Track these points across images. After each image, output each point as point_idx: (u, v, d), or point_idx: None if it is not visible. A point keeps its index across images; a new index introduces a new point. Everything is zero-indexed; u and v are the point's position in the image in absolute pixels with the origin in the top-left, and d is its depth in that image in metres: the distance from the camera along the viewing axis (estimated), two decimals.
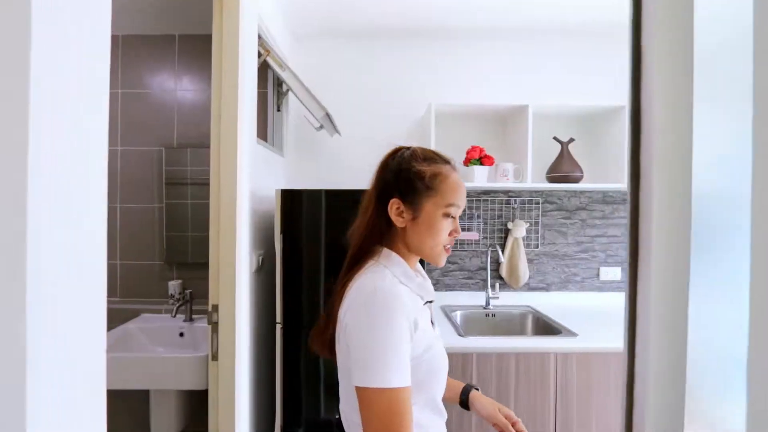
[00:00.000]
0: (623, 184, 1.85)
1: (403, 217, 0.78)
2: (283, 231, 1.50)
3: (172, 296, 1.89)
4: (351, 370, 0.70)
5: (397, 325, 0.68)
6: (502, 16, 1.89)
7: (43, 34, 0.31)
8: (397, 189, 0.79)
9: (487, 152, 1.92)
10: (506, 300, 2.05)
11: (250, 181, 1.39)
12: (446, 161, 0.82)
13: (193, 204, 1.98)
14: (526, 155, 1.85)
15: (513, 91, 2.09)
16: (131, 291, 1.98)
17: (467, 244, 2.10)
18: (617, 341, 1.51)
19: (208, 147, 1.28)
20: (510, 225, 2.08)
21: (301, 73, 1.87)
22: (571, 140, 1.96)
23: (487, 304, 1.98)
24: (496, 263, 2.10)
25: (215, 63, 1.27)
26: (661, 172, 0.43)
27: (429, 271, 2.02)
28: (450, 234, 0.79)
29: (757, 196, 0.34)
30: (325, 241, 1.51)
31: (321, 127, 1.86)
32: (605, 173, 1.99)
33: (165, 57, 1.98)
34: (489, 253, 2.05)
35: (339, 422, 0.82)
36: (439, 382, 0.79)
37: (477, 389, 0.94)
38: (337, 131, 1.91)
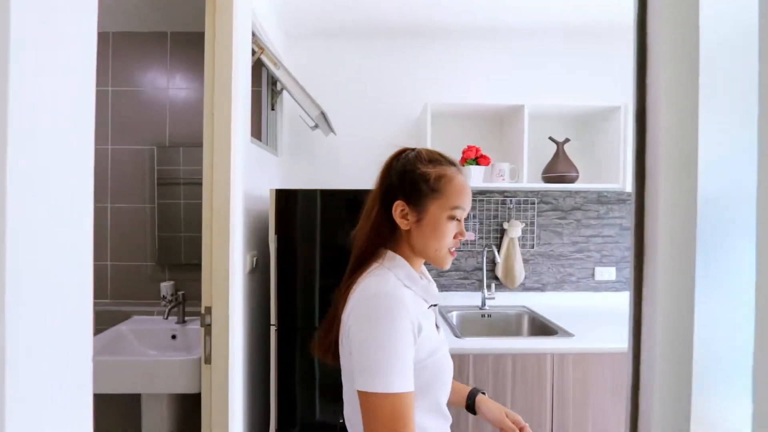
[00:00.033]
0: (618, 184, 1.86)
1: (407, 220, 0.77)
2: (278, 231, 1.48)
3: (164, 298, 1.86)
4: (353, 373, 0.69)
5: (400, 328, 0.67)
6: (499, 16, 1.89)
7: (22, 27, 0.29)
8: (401, 191, 0.77)
9: (483, 152, 1.92)
10: (502, 300, 2.05)
11: (244, 181, 1.37)
12: (452, 163, 0.81)
13: (186, 204, 1.95)
14: (522, 155, 1.85)
15: (509, 90, 2.09)
16: (122, 292, 1.95)
17: (463, 244, 2.09)
18: (613, 342, 1.51)
19: (201, 146, 1.26)
20: (506, 225, 2.08)
21: (295, 73, 1.85)
22: (567, 140, 1.96)
23: (483, 304, 1.98)
24: (492, 263, 2.10)
25: (208, 60, 1.24)
26: (667, 172, 0.42)
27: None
28: (455, 237, 0.78)
29: (762, 195, 0.34)
30: (320, 241, 1.49)
31: (316, 126, 1.84)
32: (600, 173, 2.00)
33: (157, 54, 1.95)
34: (485, 253, 2.05)
35: (342, 426, 0.80)
36: (444, 386, 0.78)
37: (483, 393, 0.93)
38: (332, 130, 1.90)
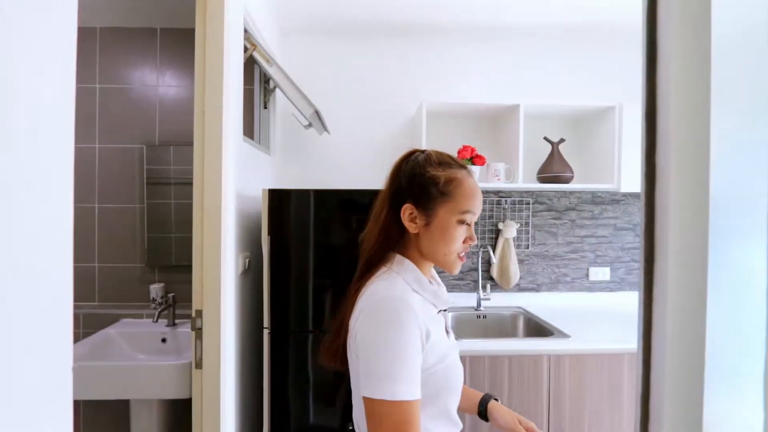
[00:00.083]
0: (612, 185, 1.86)
1: (416, 223, 0.75)
2: (271, 232, 1.45)
3: (154, 300, 1.82)
4: (359, 378, 0.68)
5: (408, 333, 0.66)
6: (499, 16, 1.88)
7: None
8: (410, 194, 0.76)
9: (479, 152, 1.91)
10: (497, 301, 2.04)
11: (236, 181, 1.34)
12: (462, 166, 0.79)
13: (176, 204, 1.91)
14: (517, 155, 1.84)
15: (505, 90, 2.08)
16: (110, 295, 1.90)
17: None
18: (609, 342, 1.51)
19: (192, 145, 1.23)
20: (501, 225, 2.07)
21: (289, 70, 1.82)
22: (562, 140, 1.96)
23: (479, 305, 1.97)
24: (487, 264, 2.09)
25: (199, 57, 1.21)
26: (678, 172, 0.41)
27: None
28: (464, 241, 0.76)
29: None
30: (313, 242, 1.47)
31: (310, 125, 1.82)
32: (594, 174, 2.00)
33: (146, 51, 1.90)
34: (480, 253, 2.04)
35: (352, 431, 0.79)
36: (454, 392, 0.76)
37: (496, 399, 0.91)
38: (326, 129, 1.87)
